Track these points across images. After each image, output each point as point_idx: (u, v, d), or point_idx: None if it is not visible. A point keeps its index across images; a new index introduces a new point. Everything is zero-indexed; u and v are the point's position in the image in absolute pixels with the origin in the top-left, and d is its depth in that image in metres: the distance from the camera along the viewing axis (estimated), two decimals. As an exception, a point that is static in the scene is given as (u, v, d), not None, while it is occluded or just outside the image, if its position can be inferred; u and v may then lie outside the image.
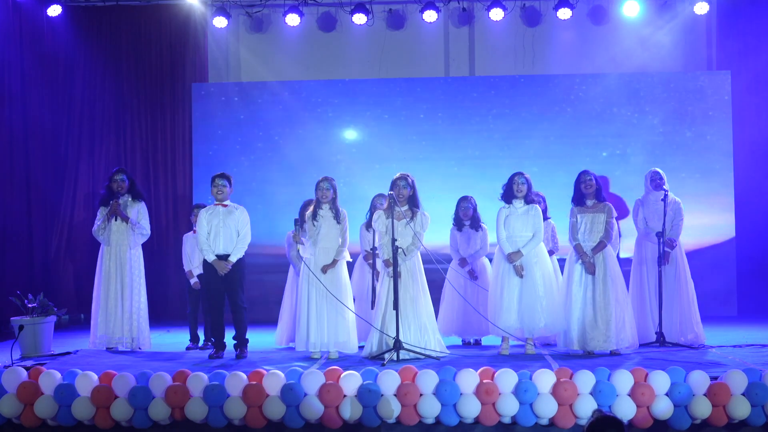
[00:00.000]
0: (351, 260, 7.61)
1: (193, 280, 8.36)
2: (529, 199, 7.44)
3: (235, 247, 7.46)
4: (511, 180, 7.49)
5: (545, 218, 8.23)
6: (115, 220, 7.87)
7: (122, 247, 7.90)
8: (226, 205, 7.56)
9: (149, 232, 8.09)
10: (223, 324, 7.50)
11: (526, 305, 7.29)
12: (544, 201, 8.26)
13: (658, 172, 7.97)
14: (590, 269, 7.25)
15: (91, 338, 7.95)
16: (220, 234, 7.45)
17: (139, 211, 7.99)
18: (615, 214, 7.41)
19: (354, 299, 7.63)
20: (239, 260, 7.48)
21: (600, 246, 7.28)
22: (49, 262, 10.75)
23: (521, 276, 7.31)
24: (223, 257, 7.43)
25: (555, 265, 8.21)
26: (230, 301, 7.50)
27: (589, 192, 7.38)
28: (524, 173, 7.49)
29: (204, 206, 8.46)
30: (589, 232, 7.32)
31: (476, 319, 7.89)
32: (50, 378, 5.99)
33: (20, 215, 10.43)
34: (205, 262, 7.53)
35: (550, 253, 8.17)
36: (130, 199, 8.00)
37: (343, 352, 7.33)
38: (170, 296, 10.69)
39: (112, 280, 7.89)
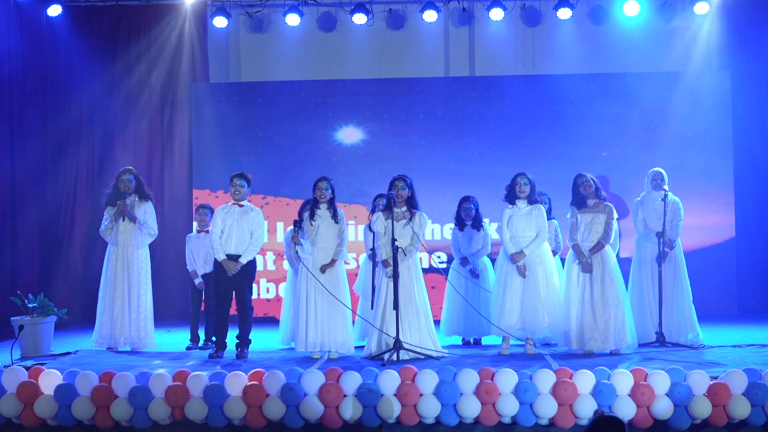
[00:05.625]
0: (349, 260, 7.61)
1: (198, 280, 8.36)
2: (532, 200, 7.43)
3: (247, 249, 7.45)
4: (513, 180, 7.49)
5: (550, 218, 8.24)
6: (123, 220, 7.87)
7: (129, 247, 7.90)
8: (242, 205, 7.56)
9: (157, 231, 8.10)
10: (227, 323, 7.50)
11: (528, 305, 7.29)
12: (549, 201, 8.27)
13: (659, 173, 7.94)
14: (587, 268, 7.24)
15: (95, 337, 7.95)
16: (233, 234, 7.45)
17: (146, 211, 7.98)
18: (616, 215, 7.40)
19: (360, 298, 7.64)
20: (249, 261, 7.48)
21: (598, 246, 7.27)
22: (52, 262, 10.74)
23: (524, 276, 7.31)
24: (234, 257, 7.42)
25: (558, 265, 8.22)
26: (237, 300, 7.50)
27: (588, 192, 7.38)
28: (527, 174, 7.48)
29: (208, 206, 8.48)
30: (588, 232, 7.31)
31: (477, 319, 7.90)
32: (50, 378, 5.99)
33: (21, 216, 10.42)
34: (216, 259, 7.53)
35: (554, 252, 8.19)
36: (137, 198, 7.99)
37: (342, 353, 7.33)
38: (170, 296, 10.68)
39: (118, 280, 7.88)
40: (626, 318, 7.26)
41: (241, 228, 7.45)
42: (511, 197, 7.48)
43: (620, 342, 7.18)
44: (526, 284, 7.32)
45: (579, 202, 7.42)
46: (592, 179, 7.40)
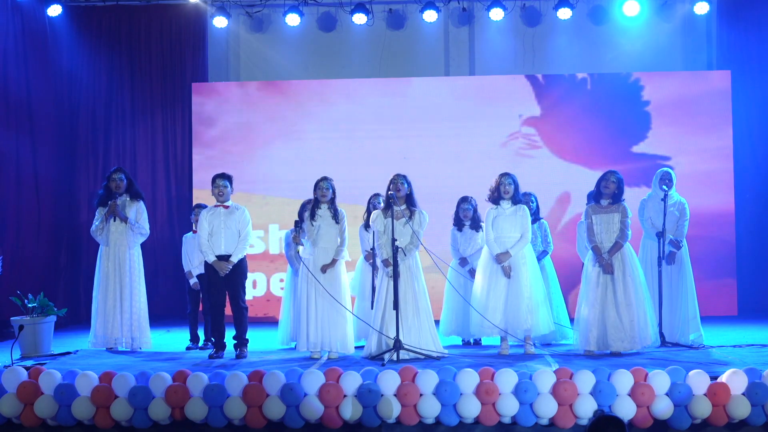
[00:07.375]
0: (350, 259, 7.60)
1: (193, 281, 8.36)
2: (516, 200, 7.45)
3: (236, 248, 7.47)
4: (497, 181, 7.50)
5: (538, 218, 8.24)
6: (114, 220, 7.87)
7: (121, 247, 7.89)
8: (227, 206, 7.57)
9: (148, 231, 8.08)
10: (224, 324, 7.51)
11: (511, 306, 7.30)
12: (536, 201, 8.26)
13: (668, 172, 7.89)
14: (608, 269, 7.21)
15: (91, 338, 7.95)
16: (221, 234, 7.46)
17: (137, 211, 7.97)
18: (630, 213, 7.37)
19: (357, 299, 7.63)
20: (240, 260, 7.49)
21: (616, 247, 7.24)
22: (50, 262, 10.74)
23: (509, 277, 7.32)
24: (224, 257, 7.43)
25: (549, 265, 8.21)
26: (231, 300, 7.51)
27: (606, 192, 7.35)
28: (511, 174, 7.50)
29: (205, 206, 8.47)
30: (605, 233, 7.30)
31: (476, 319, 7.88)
32: (50, 378, 5.99)
33: (21, 215, 10.41)
34: (206, 261, 7.53)
35: (544, 253, 8.18)
36: (128, 198, 7.98)
37: (342, 353, 7.33)
38: (170, 296, 10.68)
39: (111, 280, 7.88)
40: (648, 315, 7.26)
41: (228, 228, 7.47)
42: (495, 198, 7.49)
43: (644, 340, 7.18)
44: (510, 285, 7.33)
45: (595, 195, 7.41)
46: (617, 184, 7.31)
